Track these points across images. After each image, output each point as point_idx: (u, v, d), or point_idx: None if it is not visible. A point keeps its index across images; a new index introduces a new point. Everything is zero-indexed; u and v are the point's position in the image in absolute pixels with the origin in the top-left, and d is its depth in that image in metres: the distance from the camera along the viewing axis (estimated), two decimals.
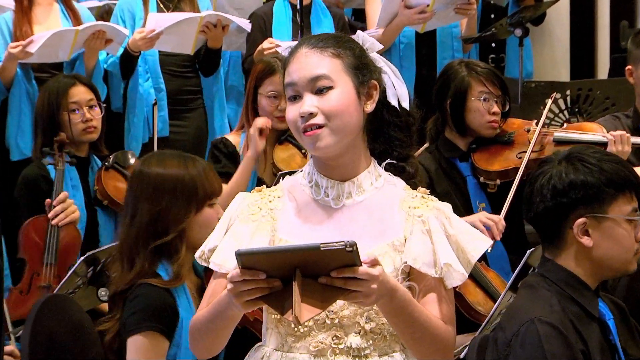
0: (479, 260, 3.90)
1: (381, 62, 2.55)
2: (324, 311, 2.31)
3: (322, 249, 2.13)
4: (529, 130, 4.32)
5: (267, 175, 4.47)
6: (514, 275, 3.47)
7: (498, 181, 4.24)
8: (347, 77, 2.44)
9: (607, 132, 4.27)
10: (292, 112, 2.44)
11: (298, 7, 5.06)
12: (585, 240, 2.63)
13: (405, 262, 2.42)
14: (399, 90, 2.54)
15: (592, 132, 4.28)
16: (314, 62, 2.44)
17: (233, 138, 4.57)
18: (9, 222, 4.45)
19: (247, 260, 2.19)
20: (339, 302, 2.39)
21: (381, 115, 2.52)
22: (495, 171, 4.24)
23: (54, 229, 4.25)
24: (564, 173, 2.64)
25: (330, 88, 2.42)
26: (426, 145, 4.44)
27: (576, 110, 5.00)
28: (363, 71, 2.47)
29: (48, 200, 4.28)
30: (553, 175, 2.65)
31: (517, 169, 4.15)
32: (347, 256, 2.15)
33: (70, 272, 3.78)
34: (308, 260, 2.18)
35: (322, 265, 2.18)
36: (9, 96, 5.00)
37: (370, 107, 2.47)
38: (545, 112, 4.33)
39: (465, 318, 3.81)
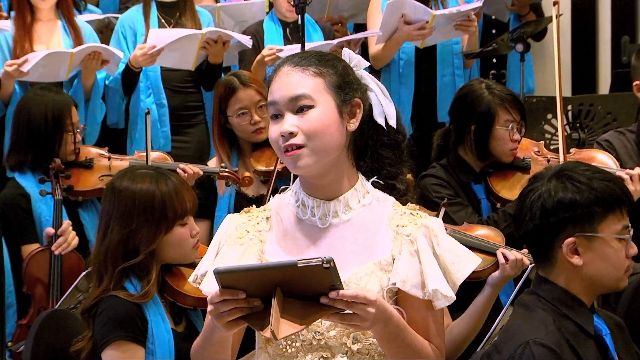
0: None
1: (368, 79, 2.53)
2: (304, 329, 2.27)
3: (298, 265, 2.12)
4: (548, 161, 4.29)
5: (250, 189, 4.50)
6: (516, 290, 3.48)
7: None
8: (328, 96, 2.42)
9: (616, 157, 4.27)
10: (274, 131, 2.43)
11: (299, 21, 5.06)
12: (575, 260, 2.61)
13: (394, 283, 2.40)
14: (386, 109, 2.52)
15: (607, 166, 4.23)
16: (295, 81, 2.42)
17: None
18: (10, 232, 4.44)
19: (226, 278, 2.18)
20: (325, 323, 2.39)
21: (367, 134, 2.50)
22: None
23: (57, 260, 4.22)
24: (552, 191, 2.61)
25: (311, 107, 2.40)
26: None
27: (577, 125, 5.00)
28: (346, 89, 2.45)
29: (49, 229, 4.24)
30: (542, 193, 2.61)
31: None
32: (325, 273, 2.14)
33: (71, 287, 3.79)
34: (287, 278, 2.16)
35: (302, 283, 2.17)
36: (7, 113, 4.95)
37: (353, 125, 2.46)
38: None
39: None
